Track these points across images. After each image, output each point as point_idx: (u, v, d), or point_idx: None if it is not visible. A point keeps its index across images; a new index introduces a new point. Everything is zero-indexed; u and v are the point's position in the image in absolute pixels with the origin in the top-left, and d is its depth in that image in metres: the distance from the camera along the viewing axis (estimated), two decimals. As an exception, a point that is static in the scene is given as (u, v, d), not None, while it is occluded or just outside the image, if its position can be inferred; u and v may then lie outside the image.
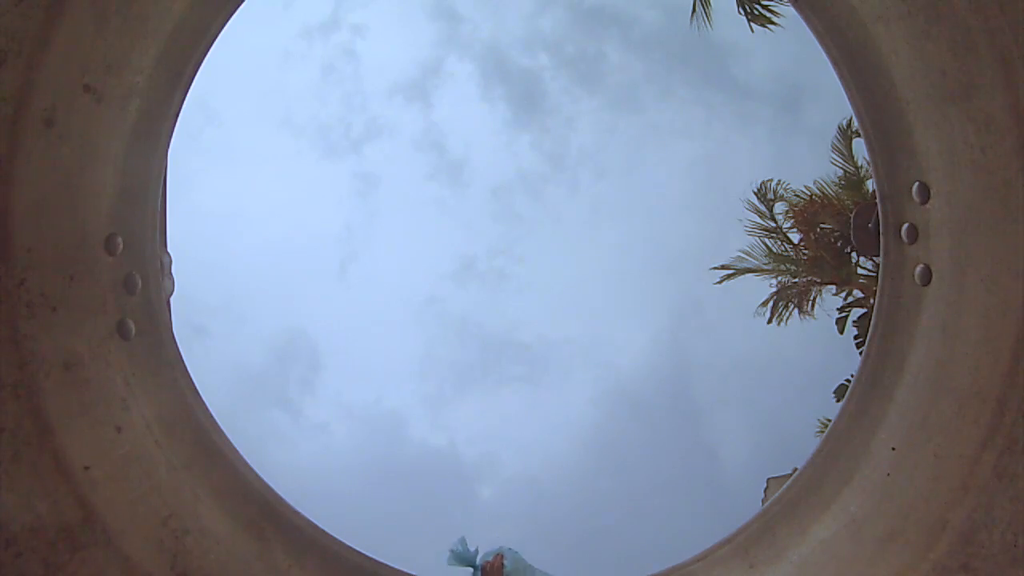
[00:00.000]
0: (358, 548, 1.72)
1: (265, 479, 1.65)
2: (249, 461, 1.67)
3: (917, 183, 1.37)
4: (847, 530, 1.45)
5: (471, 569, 1.94)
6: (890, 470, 1.41)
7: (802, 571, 1.49)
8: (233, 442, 1.65)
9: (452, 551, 2.05)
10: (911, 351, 1.42)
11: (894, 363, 1.46)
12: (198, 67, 1.49)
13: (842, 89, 1.50)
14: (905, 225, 1.43)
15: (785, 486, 1.65)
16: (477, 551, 2.01)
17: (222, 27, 1.50)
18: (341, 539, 1.69)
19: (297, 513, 1.63)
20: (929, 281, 1.38)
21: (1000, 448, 1.20)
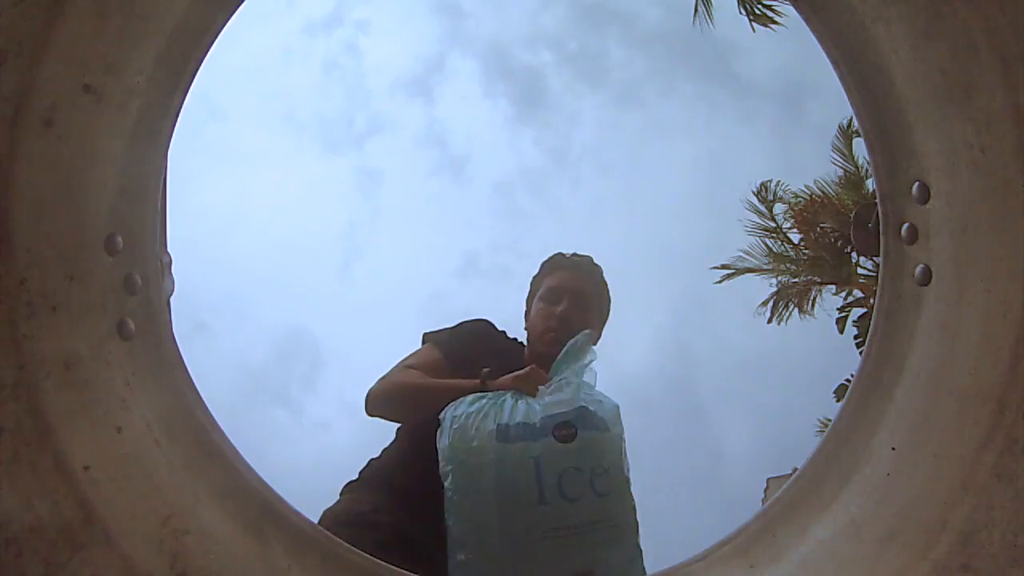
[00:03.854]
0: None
1: (265, 479, 1.64)
2: (249, 460, 1.66)
3: (917, 183, 1.37)
4: (847, 530, 1.45)
5: None
6: (890, 470, 1.41)
7: (802, 571, 1.49)
8: (233, 441, 1.64)
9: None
10: (911, 351, 1.42)
11: (894, 363, 1.45)
12: (199, 66, 1.48)
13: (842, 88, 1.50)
14: (905, 225, 1.42)
15: (785, 486, 1.65)
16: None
17: (224, 25, 1.49)
18: (341, 539, 1.68)
19: (297, 513, 1.62)
20: (929, 281, 1.38)
21: (1000, 448, 1.20)
